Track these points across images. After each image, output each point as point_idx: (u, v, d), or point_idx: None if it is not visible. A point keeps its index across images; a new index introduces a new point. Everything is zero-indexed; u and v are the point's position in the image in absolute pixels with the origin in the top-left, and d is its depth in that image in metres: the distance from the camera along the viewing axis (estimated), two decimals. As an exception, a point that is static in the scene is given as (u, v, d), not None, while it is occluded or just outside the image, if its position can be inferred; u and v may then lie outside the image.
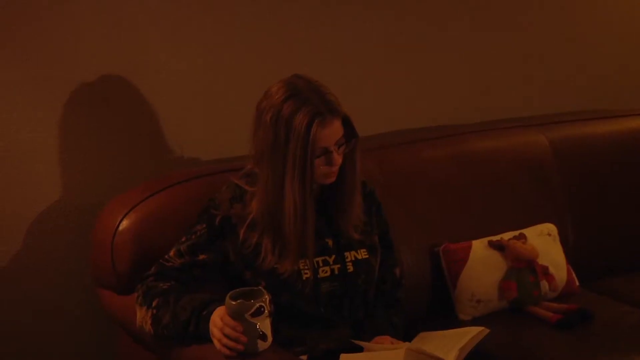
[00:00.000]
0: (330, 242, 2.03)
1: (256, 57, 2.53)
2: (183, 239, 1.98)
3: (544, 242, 2.49)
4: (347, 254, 2.04)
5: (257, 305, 1.76)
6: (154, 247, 2.05)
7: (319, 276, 2.00)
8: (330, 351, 1.97)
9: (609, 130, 2.89)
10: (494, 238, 2.45)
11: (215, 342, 1.79)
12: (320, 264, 2.01)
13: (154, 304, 1.90)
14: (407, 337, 2.08)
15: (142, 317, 1.92)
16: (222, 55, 2.49)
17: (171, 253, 1.98)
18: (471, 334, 2.01)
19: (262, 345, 1.78)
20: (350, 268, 2.03)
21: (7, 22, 2.20)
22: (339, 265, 2.02)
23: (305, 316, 1.99)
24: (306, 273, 1.99)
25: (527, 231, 2.49)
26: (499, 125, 2.81)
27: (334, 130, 1.90)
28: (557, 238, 2.54)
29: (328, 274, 2.01)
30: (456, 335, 2.00)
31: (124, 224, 2.09)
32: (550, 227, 2.55)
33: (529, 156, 2.70)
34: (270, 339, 1.79)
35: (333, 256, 2.03)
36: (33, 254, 2.32)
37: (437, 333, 2.06)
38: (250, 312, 1.75)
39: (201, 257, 1.97)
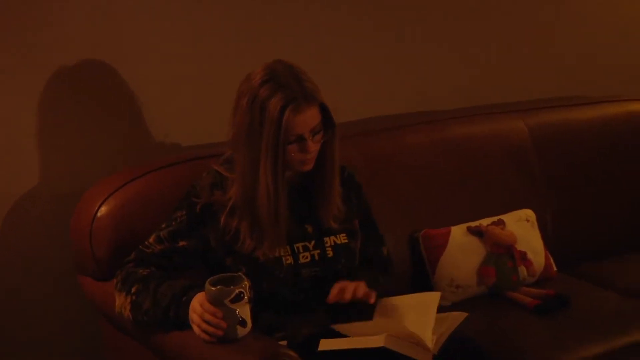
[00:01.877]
0: (310, 228, 2.04)
1: (238, 43, 2.52)
2: (163, 226, 1.98)
3: (522, 227, 2.50)
4: (326, 239, 2.04)
5: (237, 291, 1.76)
6: (133, 233, 2.05)
7: (299, 262, 2.00)
8: (310, 336, 1.98)
9: (588, 116, 2.90)
10: (473, 224, 2.46)
11: (195, 327, 1.80)
12: (301, 250, 2.01)
13: (133, 290, 1.89)
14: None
15: (121, 303, 1.92)
16: (204, 41, 2.48)
17: (151, 239, 1.97)
18: (450, 318, 2.02)
19: (241, 331, 1.78)
20: (330, 253, 2.04)
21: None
22: (318, 251, 2.03)
23: (286, 302, 2.00)
24: (287, 259, 1.99)
25: (505, 217, 2.51)
26: (479, 111, 2.82)
27: (309, 118, 1.90)
28: (536, 224, 2.56)
29: (308, 259, 2.01)
30: (434, 320, 2.01)
31: (103, 210, 2.08)
32: (528, 213, 2.56)
33: (509, 142, 2.71)
34: (249, 325, 1.79)
35: (313, 242, 2.03)
36: (12, 243, 2.30)
37: (403, 300, 2.06)
38: (229, 298, 1.76)
39: (181, 243, 1.97)
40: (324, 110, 1.93)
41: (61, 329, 2.40)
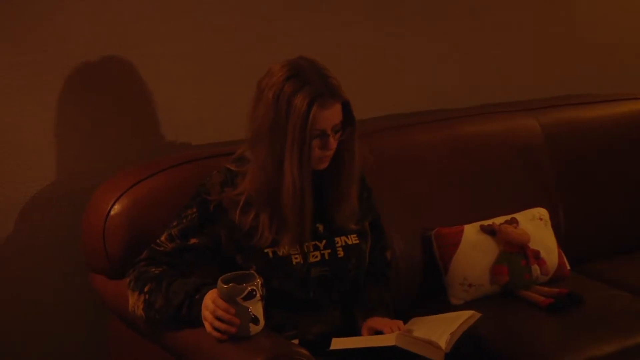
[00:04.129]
0: (321, 228, 2.03)
1: (248, 41, 2.52)
2: (174, 223, 1.98)
3: (535, 226, 2.49)
4: (337, 239, 2.04)
5: (249, 288, 1.76)
6: (146, 231, 2.05)
7: (308, 261, 2.00)
8: (321, 335, 1.98)
9: (601, 114, 2.89)
10: (486, 222, 2.45)
11: (207, 325, 1.80)
12: (311, 249, 2.01)
13: (146, 289, 1.90)
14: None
15: (134, 302, 1.92)
16: (214, 39, 2.48)
17: (162, 237, 1.98)
18: (462, 318, 2.01)
19: (254, 329, 1.78)
20: (341, 253, 2.03)
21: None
22: (329, 251, 2.03)
23: (296, 301, 2.00)
24: (296, 258, 1.99)
25: (518, 215, 2.50)
26: (490, 109, 2.81)
27: (333, 114, 1.90)
28: (549, 222, 2.55)
29: (318, 258, 2.01)
30: (448, 320, 2.01)
31: (116, 208, 2.09)
32: (541, 212, 2.55)
33: (521, 140, 2.70)
34: (262, 322, 1.79)
35: (324, 241, 2.03)
36: (24, 239, 2.31)
37: (429, 318, 2.07)
38: (242, 296, 1.76)
39: (192, 241, 1.97)
40: (345, 109, 1.93)
41: (68, 326, 2.40)
